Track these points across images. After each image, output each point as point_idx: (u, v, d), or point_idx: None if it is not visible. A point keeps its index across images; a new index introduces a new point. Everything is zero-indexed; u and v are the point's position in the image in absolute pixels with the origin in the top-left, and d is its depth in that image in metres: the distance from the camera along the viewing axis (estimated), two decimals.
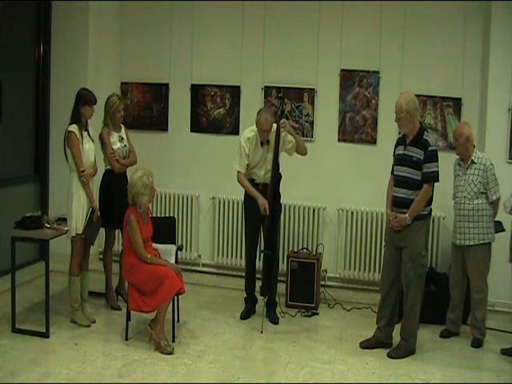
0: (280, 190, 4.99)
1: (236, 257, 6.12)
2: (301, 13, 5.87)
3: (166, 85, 6.27)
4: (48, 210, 5.91)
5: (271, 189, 4.82)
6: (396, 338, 4.49)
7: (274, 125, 4.82)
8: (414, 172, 4.29)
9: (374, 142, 5.81)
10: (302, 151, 4.95)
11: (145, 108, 6.36)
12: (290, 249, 5.85)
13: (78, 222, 4.53)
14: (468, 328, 4.82)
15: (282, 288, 5.31)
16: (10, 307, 4.42)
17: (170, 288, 4.26)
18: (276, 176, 4.85)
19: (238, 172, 4.95)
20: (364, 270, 5.82)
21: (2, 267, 5.35)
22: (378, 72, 5.75)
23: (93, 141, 4.71)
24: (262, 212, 4.78)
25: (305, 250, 5.69)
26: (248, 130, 5.00)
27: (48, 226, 4.58)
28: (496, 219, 4.74)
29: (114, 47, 6.36)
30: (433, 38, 5.60)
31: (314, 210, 5.89)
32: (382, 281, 4.61)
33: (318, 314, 5.28)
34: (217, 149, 6.11)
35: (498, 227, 4.75)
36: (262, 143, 4.89)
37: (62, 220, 4.65)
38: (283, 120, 4.82)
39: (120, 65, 6.39)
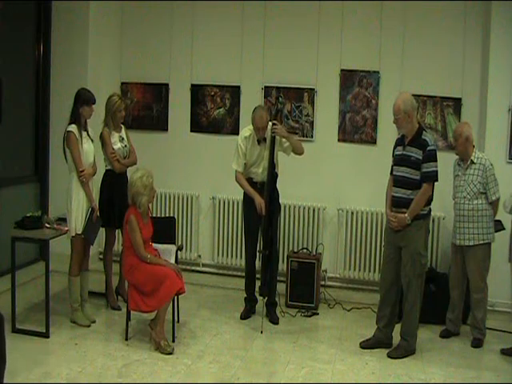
0: (278, 189, 5.00)
1: (236, 257, 6.12)
2: (301, 13, 5.87)
3: (166, 85, 6.27)
4: (48, 210, 5.91)
5: (267, 188, 4.83)
6: (396, 338, 4.49)
7: (271, 122, 4.84)
8: (412, 172, 4.29)
9: (373, 142, 5.81)
10: (298, 151, 4.94)
11: (145, 108, 6.36)
12: (290, 249, 5.85)
13: (77, 222, 4.53)
14: (468, 328, 4.82)
15: (281, 288, 5.31)
16: (10, 307, 4.41)
17: (170, 288, 4.26)
18: (272, 175, 4.85)
19: (236, 171, 4.97)
20: (364, 270, 5.82)
21: (2, 267, 5.34)
22: (377, 72, 5.75)
23: (92, 141, 4.71)
24: (258, 211, 4.79)
25: (305, 250, 5.69)
26: (245, 130, 5.03)
27: (48, 225, 4.58)
28: (496, 218, 4.74)
29: (114, 47, 6.37)
30: (433, 38, 5.61)
31: (313, 210, 5.89)
32: (381, 281, 4.61)
33: (318, 313, 5.28)
34: (217, 149, 6.11)
35: (499, 226, 4.74)
36: (259, 141, 4.91)
37: (62, 220, 4.65)
38: (275, 124, 4.78)
39: (120, 65, 6.39)
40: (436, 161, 4.29)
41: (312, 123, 5.93)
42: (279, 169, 5.00)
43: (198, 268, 6.28)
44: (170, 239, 4.90)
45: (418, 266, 4.31)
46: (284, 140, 4.88)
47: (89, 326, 4.65)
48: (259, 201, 4.80)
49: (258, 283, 5.05)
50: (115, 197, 4.91)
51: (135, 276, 4.36)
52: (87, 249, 4.75)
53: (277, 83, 5.96)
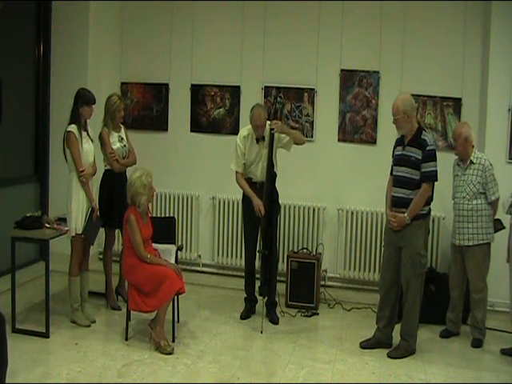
0: (277, 189, 5.00)
1: (236, 257, 6.12)
2: (301, 13, 5.87)
3: (166, 85, 6.27)
4: (48, 210, 5.91)
5: (267, 189, 4.83)
6: (396, 337, 4.49)
7: (269, 121, 4.84)
8: (412, 172, 4.29)
9: (373, 142, 5.81)
10: (299, 142, 4.95)
11: (145, 108, 6.36)
12: (290, 249, 5.85)
13: (77, 222, 4.54)
14: (468, 328, 4.82)
15: (282, 288, 5.31)
16: (10, 307, 4.41)
17: (170, 288, 4.26)
18: (271, 175, 4.85)
19: (236, 172, 4.97)
20: (364, 270, 5.82)
21: (2, 267, 5.35)
22: (377, 72, 5.75)
23: (92, 141, 4.71)
24: (256, 213, 4.80)
25: (305, 250, 5.69)
26: (243, 129, 5.05)
27: (48, 226, 4.57)
28: (495, 218, 4.74)
29: (114, 47, 6.37)
30: (433, 38, 5.61)
31: (313, 210, 5.89)
32: (381, 281, 4.61)
33: (318, 314, 5.28)
34: (217, 149, 6.11)
35: (498, 225, 4.73)
36: (257, 140, 4.91)
37: (62, 220, 4.65)
38: (274, 122, 4.77)
39: (120, 65, 6.39)
40: (435, 161, 4.29)
41: (312, 123, 5.93)
42: (278, 169, 5.00)
43: (198, 268, 6.28)
44: (170, 239, 4.90)
45: (417, 266, 4.31)
46: (283, 135, 4.88)
47: (89, 325, 4.65)
48: (257, 202, 4.80)
49: (257, 283, 5.05)
50: (115, 197, 4.91)
51: (135, 276, 4.36)
52: (87, 249, 4.75)
53: (277, 83, 5.95)
